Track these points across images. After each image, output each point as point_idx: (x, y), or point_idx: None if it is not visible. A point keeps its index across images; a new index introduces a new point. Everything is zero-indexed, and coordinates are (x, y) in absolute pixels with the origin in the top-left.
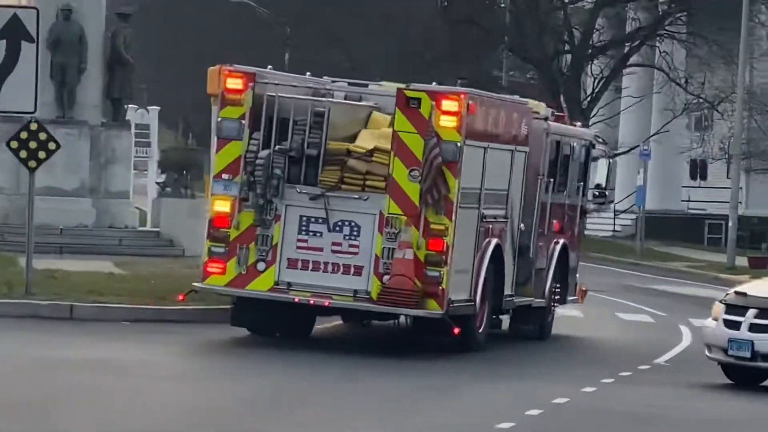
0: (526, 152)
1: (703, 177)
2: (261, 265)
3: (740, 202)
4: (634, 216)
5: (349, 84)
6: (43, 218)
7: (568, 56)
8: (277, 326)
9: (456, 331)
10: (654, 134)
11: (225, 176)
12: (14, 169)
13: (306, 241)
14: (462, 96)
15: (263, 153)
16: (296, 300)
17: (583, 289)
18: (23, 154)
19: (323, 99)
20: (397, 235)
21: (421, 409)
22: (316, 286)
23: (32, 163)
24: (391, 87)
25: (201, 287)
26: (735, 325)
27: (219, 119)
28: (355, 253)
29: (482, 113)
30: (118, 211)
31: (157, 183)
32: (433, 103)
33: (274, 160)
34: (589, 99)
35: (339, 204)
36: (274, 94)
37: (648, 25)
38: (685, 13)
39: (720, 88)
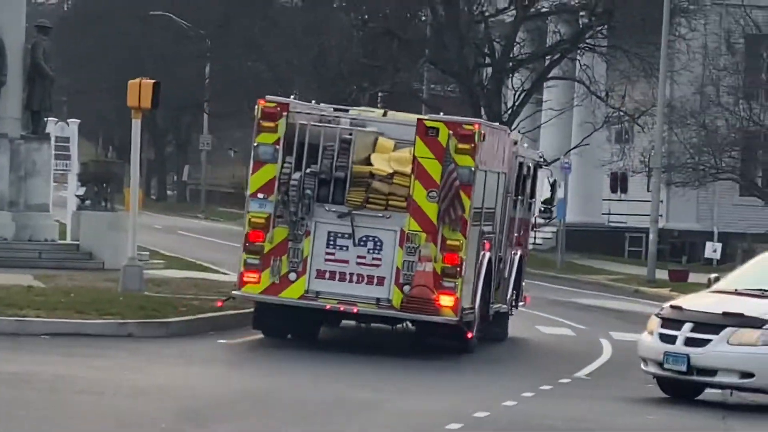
0: (506, 174)
1: (624, 190)
2: (292, 276)
3: (661, 216)
4: (554, 229)
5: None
6: None
7: (489, 69)
8: (291, 329)
9: (469, 335)
10: (574, 147)
11: (260, 195)
12: None
13: (333, 254)
14: (477, 126)
15: (296, 175)
16: (327, 307)
17: (526, 295)
18: None
19: (350, 127)
20: (416, 249)
21: (339, 422)
22: (342, 295)
23: None
24: (398, 116)
25: (239, 295)
26: (671, 339)
27: (255, 144)
28: (378, 265)
29: (487, 141)
30: (38, 225)
31: (77, 196)
32: (450, 132)
33: (306, 182)
34: (509, 112)
35: (364, 221)
36: (305, 122)
37: (569, 38)
38: (606, 26)
39: (640, 101)
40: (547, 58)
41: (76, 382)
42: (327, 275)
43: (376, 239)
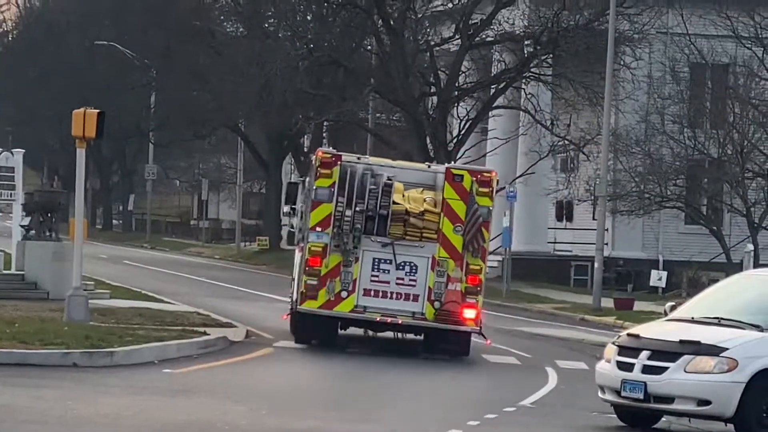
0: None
1: (569, 218)
2: (344, 294)
3: (606, 244)
4: (500, 257)
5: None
6: None
7: (434, 98)
8: (317, 337)
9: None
10: (520, 176)
11: (318, 229)
12: None
13: (377, 276)
14: (494, 174)
15: (348, 212)
16: (377, 319)
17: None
18: None
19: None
20: (444, 272)
21: None
22: (384, 309)
23: None
24: (404, 163)
25: (302, 310)
26: (628, 367)
27: (315, 187)
28: (414, 285)
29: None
30: None
31: (22, 226)
32: (473, 178)
33: (355, 218)
34: (455, 141)
35: (402, 250)
36: (355, 169)
37: (514, 67)
38: (551, 55)
39: (585, 130)
40: (492, 87)
41: (20, 411)
42: (372, 293)
43: (412, 264)
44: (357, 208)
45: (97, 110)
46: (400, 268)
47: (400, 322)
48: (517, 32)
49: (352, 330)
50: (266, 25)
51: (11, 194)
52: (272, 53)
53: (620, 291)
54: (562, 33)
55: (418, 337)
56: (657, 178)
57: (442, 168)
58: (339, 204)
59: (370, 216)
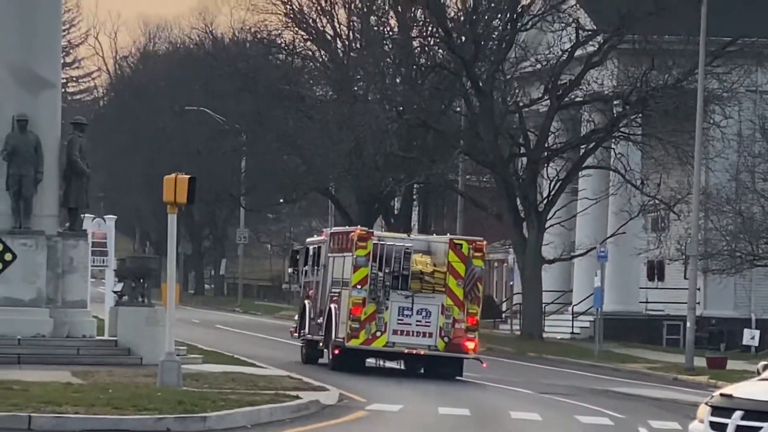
0: None
1: (661, 278)
2: (378, 333)
3: (698, 303)
4: (592, 318)
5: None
6: (0, 329)
7: (524, 159)
8: (357, 367)
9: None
10: (611, 236)
11: (358, 286)
12: None
13: (402, 319)
14: (485, 242)
15: (380, 274)
16: (406, 351)
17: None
18: None
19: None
20: (451, 315)
21: None
22: (408, 344)
23: None
24: (414, 235)
25: (349, 346)
26: (721, 428)
27: (355, 256)
28: (429, 326)
29: None
30: (76, 321)
31: (115, 292)
32: (470, 246)
33: (385, 278)
34: (545, 201)
35: (419, 300)
36: (383, 243)
37: (603, 127)
38: (640, 114)
39: (676, 189)
40: (581, 147)
41: None
42: (399, 332)
43: (427, 310)
44: (386, 270)
45: (189, 175)
46: (419, 313)
47: (422, 353)
48: (606, 92)
49: (369, 361)
50: (355, 89)
51: (104, 260)
52: (362, 116)
53: (713, 350)
54: (651, 92)
55: (400, 367)
56: (748, 237)
57: (445, 238)
58: (373, 267)
59: (395, 276)
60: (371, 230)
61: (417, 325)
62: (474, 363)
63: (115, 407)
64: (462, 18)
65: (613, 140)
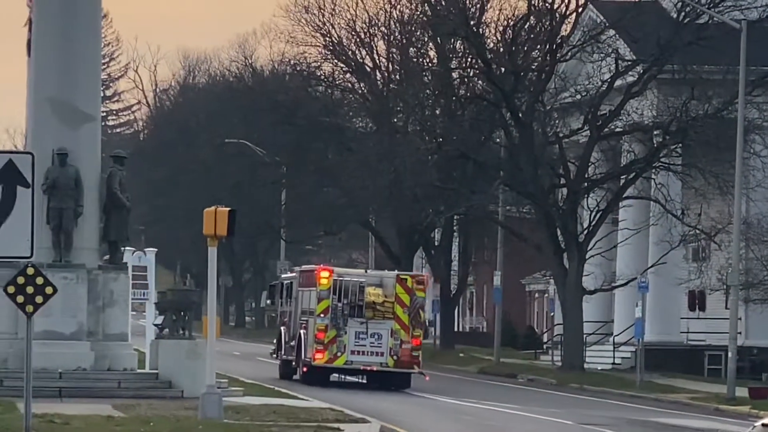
0: None
1: (702, 308)
2: (339, 354)
3: (739, 333)
4: (633, 348)
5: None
6: (41, 362)
7: (564, 190)
8: (323, 381)
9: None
10: (651, 266)
11: (322, 315)
12: (12, 314)
13: (358, 342)
14: (426, 276)
15: (339, 304)
16: (362, 368)
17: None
18: (20, 299)
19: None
20: (399, 338)
21: None
22: (364, 362)
23: (29, 308)
24: (371, 272)
25: (315, 365)
26: None
27: (319, 290)
28: (381, 347)
29: None
30: (117, 354)
31: (155, 325)
32: (414, 280)
33: (344, 308)
34: (585, 232)
35: (372, 326)
36: (342, 278)
37: (643, 157)
38: (680, 144)
39: (716, 219)
40: (622, 177)
41: None
42: (356, 353)
43: (379, 334)
44: (344, 301)
45: (228, 208)
46: (372, 336)
47: (375, 369)
48: (646, 122)
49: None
50: (395, 120)
51: (144, 293)
52: (401, 148)
53: (755, 380)
54: (691, 122)
55: (362, 380)
56: None
57: (393, 274)
58: (333, 299)
59: (352, 306)
60: (332, 268)
61: (371, 346)
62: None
63: None
64: (501, 49)
65: (653, 170)
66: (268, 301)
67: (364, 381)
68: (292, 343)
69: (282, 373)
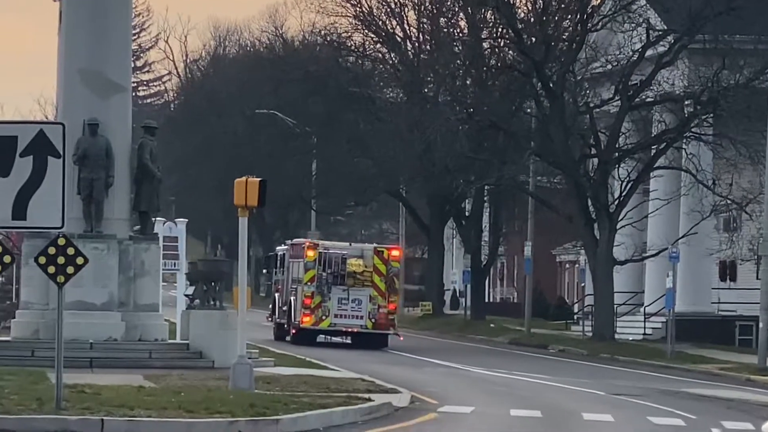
0: None
1: (733, 278)
2: (324, 317)
3: None
4: (664, 319)
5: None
6: (72, 333)
7: (595, 160)
8: (311, 342)
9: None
10: (682, 236)
11: (309, 283)
12: (43, 285)
13: (341, 307)
14: (400, 248)
15: (324, 274)
16: (344, 329)
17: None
18: (51, 269)
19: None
20: (377, 303)
21: None
22: (346, 324)
23: (60, 278)
24: (354, 245)
25: (303, 327)
26: None
27: (306, 261)
28: (360, 311)
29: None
30: (148, 324)
31: (186, 295)
32: (389, 252)
33: (327, 277)
34: (616, 202)
35: (353, 292)
36: (327, 251)
37: (674, 127)
38: (711, 114)
39: (747, 189)
40: (652, 147)
41: None
42: (339, 316)
43: (359, 299)
44: (329, 271)
45: (259, 179)
46: (353, 302)
47: (356, 330)
48: (677, 92)
49: (321, 338)
50: (426, 91)
51: (175, 264)
52: (432, 118)
53: None
54: (722, 92)
55: (347, 340)
56: None
57: (371, 246)
58: (319, 269)
59: (336, 275)
60: (317, 242)
61: (352, 310)
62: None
63: (187, 410)
64: (532, 19)
65: (685, 140)
66: (264, 270)
67: (349, 341)
68: (284, 308)
69: (276, 335)
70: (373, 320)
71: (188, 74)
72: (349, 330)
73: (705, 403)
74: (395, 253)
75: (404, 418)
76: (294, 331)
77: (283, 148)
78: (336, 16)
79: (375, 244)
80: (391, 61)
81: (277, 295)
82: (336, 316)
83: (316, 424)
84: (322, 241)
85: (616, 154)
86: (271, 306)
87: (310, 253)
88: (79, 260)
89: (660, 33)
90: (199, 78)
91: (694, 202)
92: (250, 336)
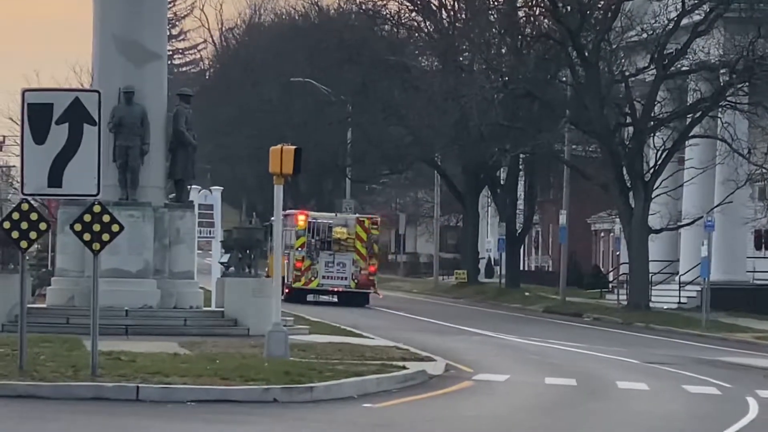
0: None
1: None
2: (313, 278)
3: None
4: (699, 287)
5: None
6: (108, 300)
7: (630, 129)
8: (302, 300)
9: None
10: (717, 205)
11: (299, 249)
12: (79, 252)
13: (328, 269)
14: (379, 218)
15: (312, 240)
16: (330, 289)
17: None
18: (87, 236)
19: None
20: (359, 266)
21: None
22: (332, 284)
23: (96, 246)
24: (339, 215)
25: (295, 287)
26: None
27: (297, 229)
28: (345, 273)
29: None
30: (183, 292)
31: (221, 263)
32: (370, 221)
33: (316, 243)
34: (651, 171)
35: (338, 257)
36: (315, 220)
37: (710, 96)
38: (747, 83)
39: None
40: (688, 116)
41: None
42: (326, 277)
43: (343, 263)
44: (317, 238)
45: (294, 146)
46: (338, 265)
47: (341, 290)
48: (713, 61)
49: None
50: (461, 59)
51: (210, 231)
52: (467, 87)
53: None
54: (758, 61)
55: (333, 299)
56: None
57: (354, 216)
58: (309, 236)
59: (323, 241)
60: (307, 212)
61: (337, 272)
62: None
63: (222, 377)
64: None
65: (720, 109)
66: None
67: (335, 300)
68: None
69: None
70: (356, 281)
71: (223, 42)
72: (335, 289)
73: (740, 371)
74: (375, 222)
75: (439, 386)
76: (287, 291)
77: (317, 116)
78: None
79: (357, 215)
80: (426, 30)
81: (271, 256)
82: (324, 277)
83: (350, 392)
84: (310, 212)
85: (652, 122)
86: (266, 269)
87: (301, 222)
88: (115, 227)
89: (696, 1)
90: (234, 46)
91: (729, 171)
92: (284, 304)
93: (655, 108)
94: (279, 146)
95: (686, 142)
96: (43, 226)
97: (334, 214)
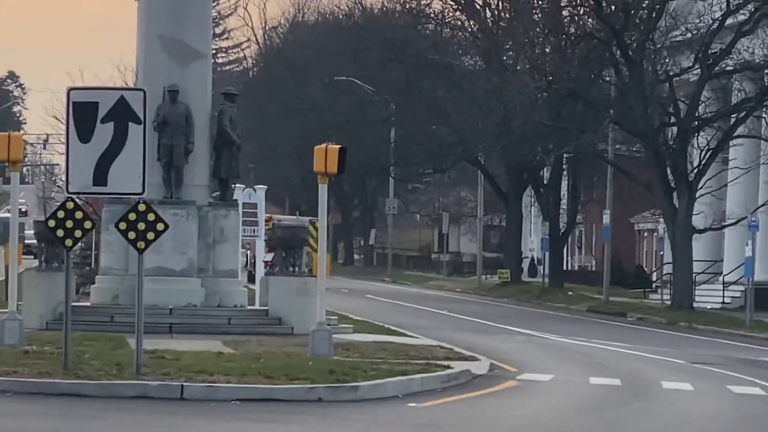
0: None
1: None
2: None
3: None
4: (743, 288)
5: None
6: (152, 298)
7: (674, 128)
8: None
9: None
10: (762, 205)
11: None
12: (123, 250)
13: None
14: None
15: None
16: None
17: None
18: (132, 235)
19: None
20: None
21: None
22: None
23: (141, 244)
24: (303, 218)
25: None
26: None
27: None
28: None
29: None
30: (227, 291)
31: (265, 262)
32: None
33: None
34: (695, 171)
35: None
36: (278, 222)
37: (754, 95)
38: None
39: None
40: (732, 116)
41: None
42: None
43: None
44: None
45: (339, 146)
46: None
47: None
48: (757, 61)
49: None
50: (504, 58)
51: (254, 230)
52: (511, 86)
53: None
54: None
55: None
56: None
57: (307, 219)
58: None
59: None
60: (271, 216)
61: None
62: None
63: (266, 376)
64: None
65: (764, 109)
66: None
67: None
68: (253, 261)
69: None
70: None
71: (267, 41)
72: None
73: None
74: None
75: (483, 385)
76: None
77: (361, 115)
78: None
79: (311, 218)
80: (470, 29)
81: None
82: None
83: (394, 391)
84: (275, 215)
85: (696, 122)
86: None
87: (267, 224)
88: (159, 226)
89: (740, 1)
90: (277, 45)
91: None
92: (328, 303)
93: (699, 108)
94: (324, 145)
95: (730, 142)
96: (88, 224)
97: (295, 217)
